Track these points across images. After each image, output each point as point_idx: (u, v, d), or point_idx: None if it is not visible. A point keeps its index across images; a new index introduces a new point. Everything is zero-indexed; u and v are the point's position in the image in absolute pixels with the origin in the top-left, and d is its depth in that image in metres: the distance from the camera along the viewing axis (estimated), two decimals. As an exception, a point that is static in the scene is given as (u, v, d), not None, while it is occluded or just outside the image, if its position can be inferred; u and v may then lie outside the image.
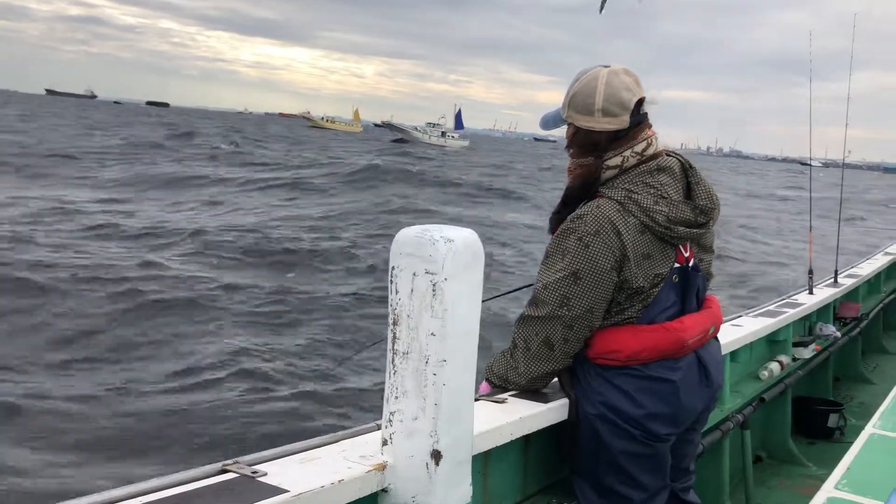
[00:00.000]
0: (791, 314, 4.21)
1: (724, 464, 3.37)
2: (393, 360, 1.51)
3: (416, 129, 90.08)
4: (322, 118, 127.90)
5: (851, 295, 5.67)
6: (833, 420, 4.61)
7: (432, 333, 1.46)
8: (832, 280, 5.46)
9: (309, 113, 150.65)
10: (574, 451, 2.10)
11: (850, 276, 5.86)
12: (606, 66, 2.08)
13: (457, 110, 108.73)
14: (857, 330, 5.47)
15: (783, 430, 4.33)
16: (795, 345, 4.34)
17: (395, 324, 1.50)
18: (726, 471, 3.38)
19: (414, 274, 1.47)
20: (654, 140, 2.06)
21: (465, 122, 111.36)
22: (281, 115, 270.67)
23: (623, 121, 2.02)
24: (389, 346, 1.52)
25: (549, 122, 2.21)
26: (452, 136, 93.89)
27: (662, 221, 1.97)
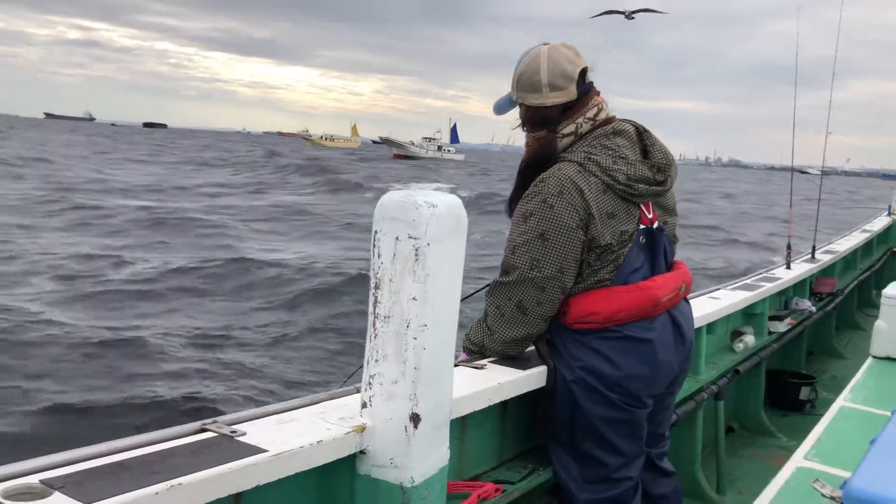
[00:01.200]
0: (768, 288, 4.26)
1: (698, 434, 3.43)
2: (374, 323, 1.51)
3: (412, 143, 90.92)
4: (321, 137, 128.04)
5: (828, 271, 5.75)
6: (805, 393, 4.69)
7: (414, 298, 1.46)
8: (810, 256, 5.53)
9: (307, 131, 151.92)
10: (550, 416, 2.13)
11: (827, 252, 5.94)
12: (546, 44, 2.15)
13: (452, 125, 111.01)
14: (832, 305, 5.55)
15: (756, 401, 4.41)
16: (771, 318, 4.40)
17: (376, 287, 1.50)
18: (699, 441, 3.45)
19: (397, 238, 1.46)
20: (604, 105, 2.15)
21: (463, 137, 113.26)
22: (280, 133, 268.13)
23: (570, 92, 2.10)
24: (371, 309, 1.51)
25: (503, 106, 2.26)
26: (448, 150, 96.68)
27: (623, 179, 2.03)
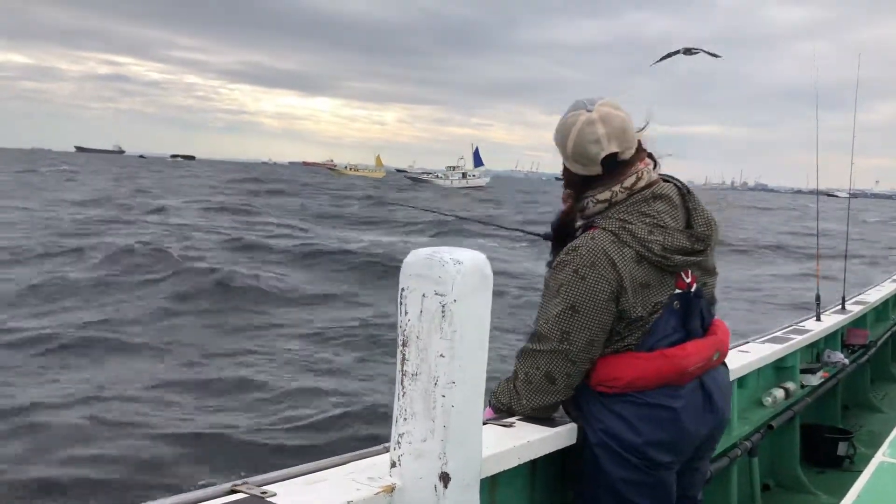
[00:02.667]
0: (799, 340, 4.19)
1: (732, 492, 3.34)
2: (402, 381, 1.51)
3: (437, 175, 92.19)
4: (346, 167, 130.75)
5: (859, 322, 5.65)
6: (842, 448, 4.57)
7: (441, 355, 1.47)
8: (840, 307, 5.45)
9: (332, 161, 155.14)
10: (578, 477, 2.09)
11: (857, 302, 5.85)
12: (590, 110, 2.02)
13: (474, 149, 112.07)
14: (866, 357, 5.44)
15: (792, 457, 4.29)
16: (803, 371, 4.32)
17: (404, 345, 1.51)
18: (734, 499, 3.35)
19: (423, 295, 1.48)
20: (644, 173, 2.04)
21: (487, 164, 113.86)
22: (305, 163, 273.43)
23: (593, 170, 2.03)
24: (399, 367, 1.52)
25: None
26: (473, 176, 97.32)
27: (658, 251, 1.95)
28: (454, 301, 1.46)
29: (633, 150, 2.04)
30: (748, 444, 3.38)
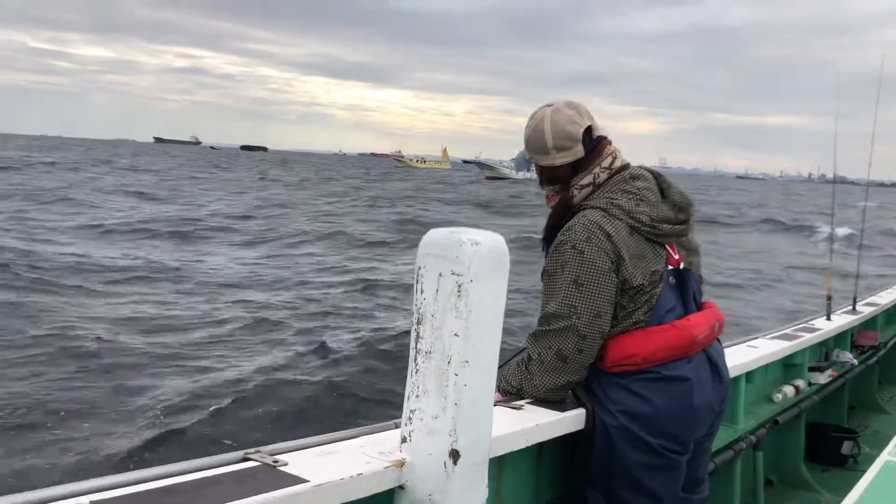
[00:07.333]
0: (808, 338, 4.19)
1: (735, 485, 3.35)
2: (415, 358, 1.53)
3: (502, 164, 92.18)
4: (412, 159, 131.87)
5: (870, 323, 5.63)
6: (847, 447, 4.56)
7: (455, 334, 1.48)
8: (850, 307, 5.43)
9: (400, 152, 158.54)
10: (588, 461, 2.11)
11: (868, 304, 5.82)
12: (549, 105, 2.21)
13: None
14: (875, 359, 5.42)
15: (796, 454, 4.30)
16: (811, 370, 4.31)
17: (418, 323, 1.52)
18: (737, 493, 3.37)
19: (440, 274, 1.49)
20: (618, 153, 2.20)
21: None
22: (373, 154, 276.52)
23: (577, 151, 2.17)
24: (412, 344, 1.53)
25: (521, 163, 2.36)
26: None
27: (647, 221, 2.08)
28: (470, 281, 1.47)
29: (599, 129, 2.21)
30: (753, 438, 3.39)
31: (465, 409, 1.50)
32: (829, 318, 4.86)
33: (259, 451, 1.49)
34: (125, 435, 6.16)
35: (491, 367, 1.57)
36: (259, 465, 1.44)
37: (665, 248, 2.14)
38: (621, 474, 2.06)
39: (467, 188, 58.65)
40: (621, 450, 2.04)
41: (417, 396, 1.53)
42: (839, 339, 4.97)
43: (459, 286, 1.47)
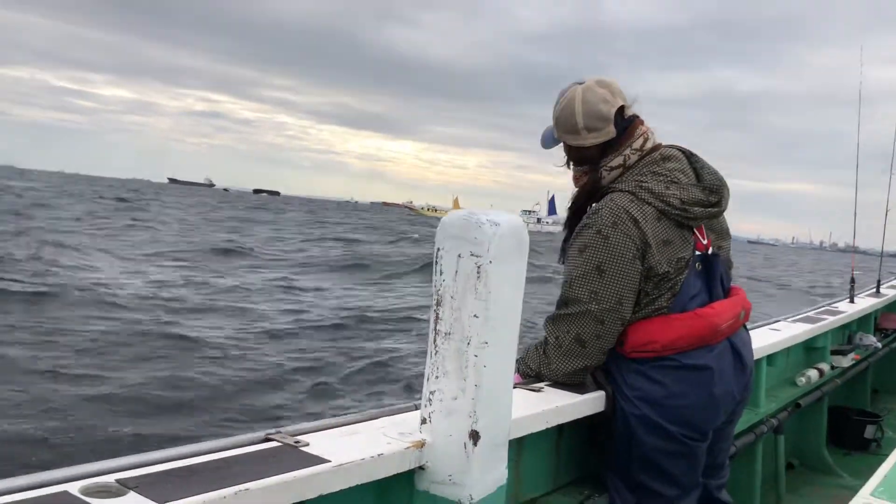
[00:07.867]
0: (831, 321, 4.15)
1: (757, 468, 3.34)
2: (435, 339, 1.53)
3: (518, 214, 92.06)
4: (423, 207, 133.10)
5: (893, 306, 5.56)
6: (870, 431, 4.53)
7: (475, 315, 1.48)
8: (874, 290, 5.37)
9: (411, 202, 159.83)
10: (608, 445, 2.10)
11: (893, 286, 5.75)
12: (581, 83, 2.13)
13: (550, 197, 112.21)
14: None
15: (818, 437, 4.27)
16: (834, 353, 4.27)
17: (438, 304, 1.52)
18: (758, 476, 3.35)
19: (459, 256, 1.48)
20: (650, 134, 2.12)
21: (562, 211, 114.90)
22: (384, 203, 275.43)
23: (609, 132, 2.09)
24: (432, 326, 1.53)
25: (548, 141, 2.26)
26: (546, 223, 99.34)
27: (677, 204, 2.00)
28: (490, 262, 1.46)
29: (632, 108, 2.13)
30: (774, 421, 3.37)
31: (485, 390, 1.50)
32: (852, 301, 4.81)
33: (280, 432, 1.50)
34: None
35: (510, 348, 1.57)
36: (281, 445, 1.45)
37: (693, 233, 2.07)
38: (639, 458, 2.05)
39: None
40: (639, 435, 2.03)
41: (437, 377, 1.53)
42: (862, 321, 4.92)
43: (479, 267, 1.47)
